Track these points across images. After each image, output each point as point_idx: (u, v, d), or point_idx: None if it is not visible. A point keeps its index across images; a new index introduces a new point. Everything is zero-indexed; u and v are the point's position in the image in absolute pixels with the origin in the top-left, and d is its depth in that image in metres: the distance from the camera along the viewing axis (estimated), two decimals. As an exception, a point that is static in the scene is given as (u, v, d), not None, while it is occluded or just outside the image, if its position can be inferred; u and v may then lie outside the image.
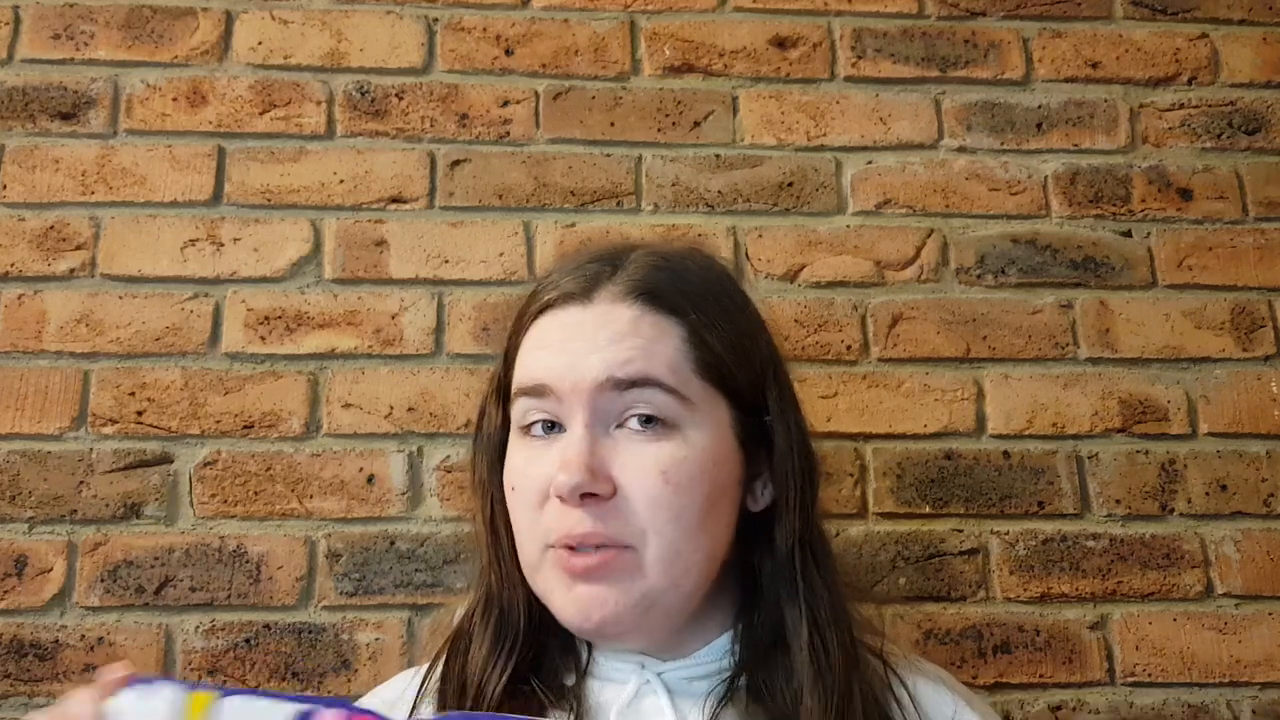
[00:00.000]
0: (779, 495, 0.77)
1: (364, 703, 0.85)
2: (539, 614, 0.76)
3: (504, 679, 0.74)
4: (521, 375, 0.76)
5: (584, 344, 0.74)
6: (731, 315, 0.79)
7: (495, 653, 0.76)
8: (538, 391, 0.74)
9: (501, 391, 0.81)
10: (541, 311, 0.78)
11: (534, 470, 0.73)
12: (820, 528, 0.81)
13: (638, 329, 0.74)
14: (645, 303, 0.75)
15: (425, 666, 0.80)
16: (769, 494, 0.78)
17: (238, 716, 0.61)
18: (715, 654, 0.76)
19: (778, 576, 0.76)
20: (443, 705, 0.75)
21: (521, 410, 0.76)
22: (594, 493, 0.70)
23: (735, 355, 0.77)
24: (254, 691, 0.68)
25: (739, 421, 0.76)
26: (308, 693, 1.06)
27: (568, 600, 0.71)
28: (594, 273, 0.77)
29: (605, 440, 0.72)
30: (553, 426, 0.74)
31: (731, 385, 0.76)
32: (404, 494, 1.13)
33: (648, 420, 0.72)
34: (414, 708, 0.77)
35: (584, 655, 0.77)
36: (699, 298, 0.77)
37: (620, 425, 0.73)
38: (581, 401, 0.72)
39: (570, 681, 0.76)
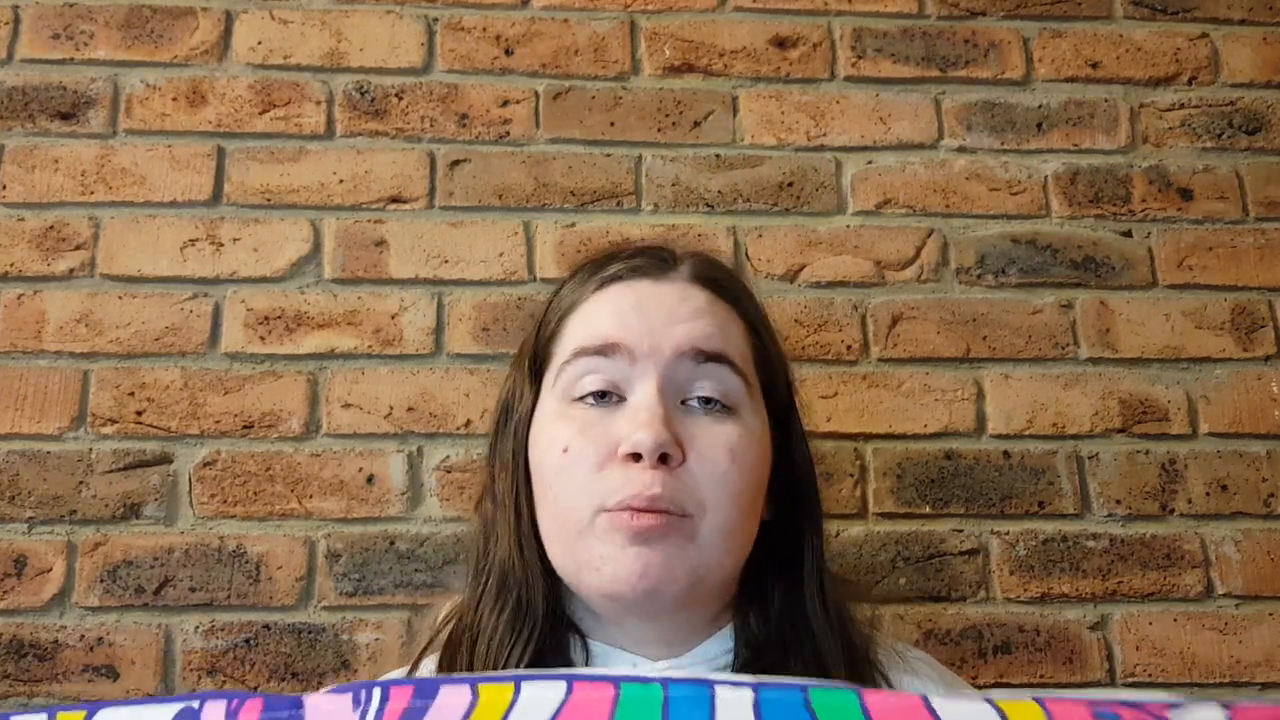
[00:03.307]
0: (800, 503, 0.80)
1: None
2: (556, 603, 0.75)
3: (522, 664, 0.72)
4: (586, 334, 0.75)
5: (664, 313, 0.74)
6: (769, 322, 0.83)
7: (511, 639, 0.73)
8: (607, 350, 0.73)
9: (533, 367, 0.79)
10: (606, 284, 0.78)
11: (594, 432, 0.72)
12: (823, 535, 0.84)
13: (714, 310, 0.76)
14: (715, 290, 0.78)
15: (404, 671, 0.78)
16: (774, 502, 0.80)
17: None
18: (711, 652, 0.75)
19: (795, 582, 0.77)
20: None
21: (575, 375, 0.74)
22: (669, 455, 0.70)
23: (777, 357, 0.80)
24: (128, 701, 0.65)
25: (770, 425, 0.78)
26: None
27: (622, 562, 0.69)
28: (660, 257, 0.79)
29: (674, 410, 0.72)
30: (605, 397, 0.73)
31: (772, 385, 0.79)
32: (404, 494, 1.13)
33: (707, 401, 0.73)
34: None
35: (580, 662, 0.75)
36: (750, 297, 0.81)
37: (684, 401, 0.73)
38: (658, 365, 0.72)
39: None
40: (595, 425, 0.72)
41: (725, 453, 0.72)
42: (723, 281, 0.79)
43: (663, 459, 0.69)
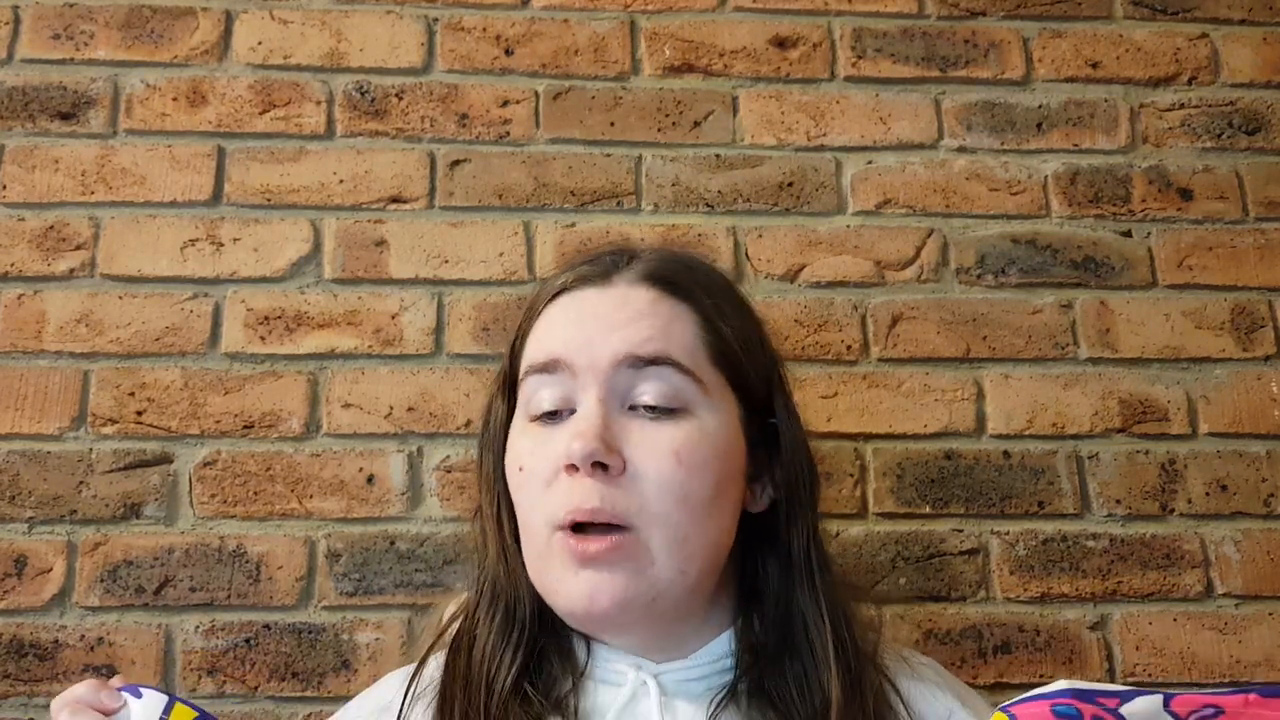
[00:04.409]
0: (788, 495, 0.78)
1: (351, 707, 0.84)
2: (543, 608, 0.76)
3: (514, 670, 0.73)
4: (534, 352, 0.77)
5: (602, 322, 0.75)
6: (740, 311, 0.81)
7: (502, 645, 0.75)
8: (551, 367, 0.74)
9: (507, 383, 0.81)
10: (555, 296, 0.78)
11: (544, 449, 0.73)
12: (820, 530, 0.82)
13: (656, 310, 0.76)
14: (662, 288, 0.77)
15: (412, 668, 0.79)
16: (768, 496, 0.79)
17: None
18: (714, 654, 0.76)
19: (788, 578, 0.77)
20: (445, 702, 0.74)
21: (530, 391, 0.76)
22: (605, 464, 0.70)
23: (744, 349, 0.79)
24: None
25: (745, 418, 0.77)
26: (308, 694, 1.06)
27: (573, 586, 0.70)
28: (609, 261, 0.79)
29: (618, 418, 0.73)
30: (556, 414, 0.74)
31: (740, 378, 0.77)
32: (404, 494, 1.13)
33: (653, 408, 0.73)
34: (401, 712, 0.76)
35: (582, 658, 0.76)
36: (710, 290, 0.80)
37: (632, 407, 0.73)
38: (597, 378, 0.73)
39: (568, 686, 0.75)
40: (545, 443, 0.74)
41: (669, 456, 0.71)
42: (672, 278, 0.78)
43: (600, 467, 0.70)
